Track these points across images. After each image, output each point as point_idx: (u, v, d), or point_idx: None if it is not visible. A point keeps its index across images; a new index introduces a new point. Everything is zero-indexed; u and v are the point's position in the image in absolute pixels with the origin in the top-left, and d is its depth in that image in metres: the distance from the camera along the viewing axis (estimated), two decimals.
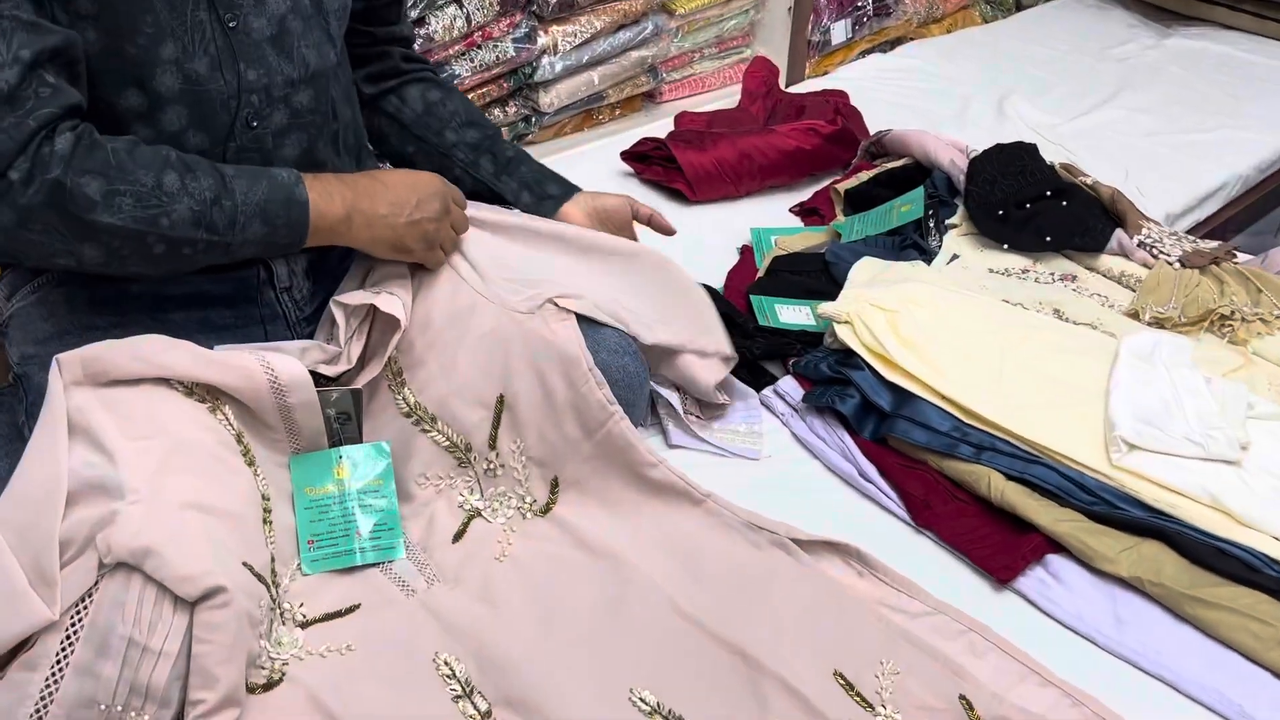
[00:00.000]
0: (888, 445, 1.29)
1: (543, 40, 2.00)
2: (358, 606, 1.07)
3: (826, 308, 1.39)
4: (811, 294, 1.51)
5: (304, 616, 1.04)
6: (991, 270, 1.57)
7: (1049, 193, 1.61)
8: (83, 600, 0.86)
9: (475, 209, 1.24)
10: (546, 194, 1.34)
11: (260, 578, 0.99)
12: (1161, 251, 1.57)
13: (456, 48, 1.89)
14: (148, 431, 0.95)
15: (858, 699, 1.00)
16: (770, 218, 1.81)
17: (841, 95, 2.09)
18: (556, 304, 1.18)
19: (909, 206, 1.66)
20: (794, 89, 2.27)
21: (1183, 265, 1.54)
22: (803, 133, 1.89)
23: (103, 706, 0.85)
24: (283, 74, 1.07)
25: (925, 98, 2.27)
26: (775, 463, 1.30)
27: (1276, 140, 2.12)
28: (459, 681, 1.00)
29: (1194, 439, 1.22)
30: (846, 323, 1.37)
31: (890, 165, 1.80)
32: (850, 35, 2.58)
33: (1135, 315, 1.48)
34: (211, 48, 1.02)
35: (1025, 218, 1.60)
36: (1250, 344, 1.44)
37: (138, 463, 0.92)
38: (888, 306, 1.38)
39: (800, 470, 1.29)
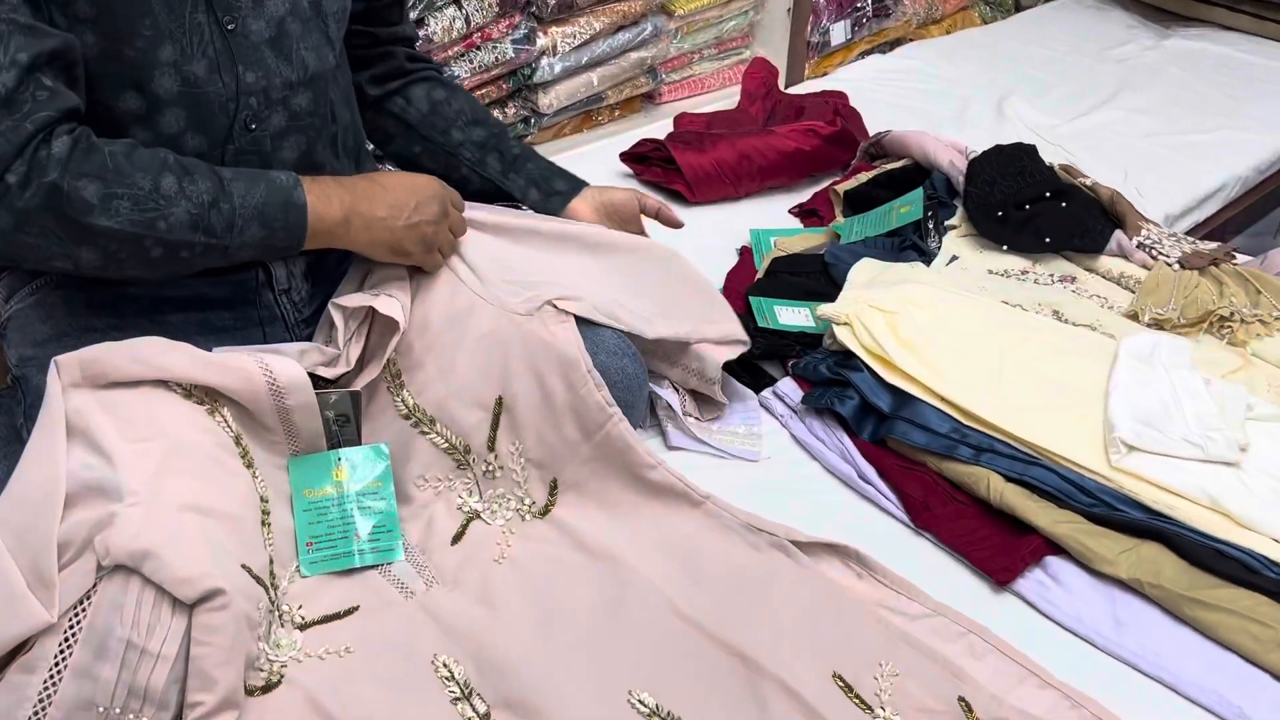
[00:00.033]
0: (887, 447, 1.29)
1: (542, 41, 2.00)
2: (356, 608, 1.07)
3: (826, 309, 1.39)
4: (811, 295, 1.51)
5: (303, 618, 1.04)
6: (991, 271, 1.57)
7: (1048, 194, 1.61)
8: (81, 602, 0.86)
9: (474, 210, 1.24)
10: (554, 190, 1.34)
11: (259, 580, 0.99)
12: (1161, 253, 1.57)
13: (455, 49, 1.89)
14: (146, 434, 0.95)
15: (857, 701, 1.00)
16: (769, 219, 1.81)
17: (841, 96, 2.09)
18: (555, 306, 1.18)
19: (908, 208, 1.66)
20: (793, 90, 2.27)
21: (1182, 266, 1.54)
22: (802, 134, 1.89)
23: (101, 709, 0.85)
24: (281, 76, 1.07)
25: (924, 99, 2.27)
26: (774, 464, 1.30)
27: (1275, 141, 2.12)
28: (458, 683, 1.00)
29: (1193, 440, 1.22)
30: (846, 324, 1.37)
31: (889, 166, 1.80)
32: (849, 36, 2.58)
33: (1134, 316, 1.48)
34: (210, 50, 1.02)
35: (1024, 219, 1.60)
36: (1249, 345, 1.44)
37: (136, 465, 0.92)
38: (887, 308, 1.38)
39: (799, 472, 1.29)
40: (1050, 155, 1.74)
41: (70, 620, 0.86)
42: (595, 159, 1.96)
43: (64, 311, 1.10)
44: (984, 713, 1.00)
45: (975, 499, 1.22)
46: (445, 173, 1.32)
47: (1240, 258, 1.60)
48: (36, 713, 0.85)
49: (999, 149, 1.68)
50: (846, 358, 1.36)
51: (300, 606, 1.05)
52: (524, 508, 1.19)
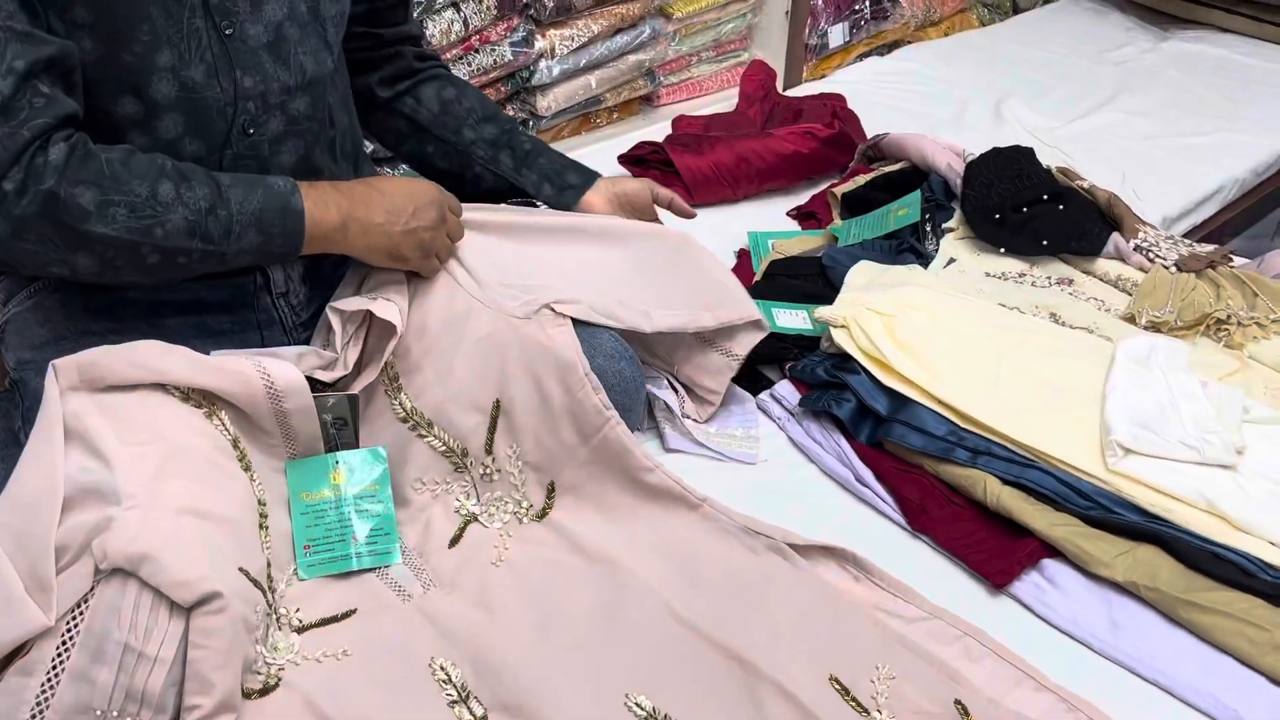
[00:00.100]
0: (884, 450, 1.29)
1: (540, 44, 2.00)
2: (354, 612, 1.07)
3: (823, 312, 1.39)
4: (808, 298, 1.51)
5: (300, 622, 1.05)
6: (988, 274, 1.57)
7: (1046, 196, 1.61)
8: (79, 606, 0.86)
9: (473, 210, 1.25)
10: (567, 184, 1.35)
11: (256, 583, 0.99)
12: (1158, 255, 1.57)
13: (454, 52, 1.89)
14: (144, 437, 0.95)
15: (853, 704, 1.01)
16: (767, 221, 1.81)
17: (839, 99, 2.09)
18: (553, 309, 1.19)
19: (906, 210, 1.66)
20: (791, 92, 2.28)
21: (1179, 269, 1.54)
22: (800, 136, 1.89)
23: (98, 712, 0.85)
24: (279, 81, 1.07)
25: (922, 101, 2.27)
26: (771, 467, 1.30)
27: (1273, 144, 2.13)
28: (455, 686, 1.00)
29: (1190, 443, 1.22)
30: (843, 327, 1.37)
31: (887, 169, 1.80)
32: (847, 38, 2.58)
33: (1131, 319, 1.48)
34: (208, 55, 1.02)
35: (1022, 221, 1.60)
36: (1246, 348, 1.44)
37: (134, 468, 0.92)
38: (884, 311, 1.38)
39: (796, 475, 1.30)
40: (1048, 158, 1.74)
41: (68, 624, 0.86)
42: (593, 161, 1.92)
43: (62, 315, 1.11)
44: (980, 715, 1.00)
45: (972, 502, 1.22)
46: (459, 171, 1.33)
47: (1237, 260, 1.60)
48: (34, 716, 0.85)
49: (996, 152, 1.68)
50: (844, 360, 1.36)
51: (298, 609, 1.06)
52: (521, 510, 1.19)
